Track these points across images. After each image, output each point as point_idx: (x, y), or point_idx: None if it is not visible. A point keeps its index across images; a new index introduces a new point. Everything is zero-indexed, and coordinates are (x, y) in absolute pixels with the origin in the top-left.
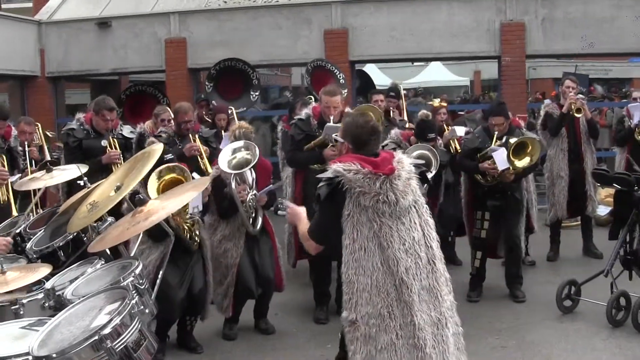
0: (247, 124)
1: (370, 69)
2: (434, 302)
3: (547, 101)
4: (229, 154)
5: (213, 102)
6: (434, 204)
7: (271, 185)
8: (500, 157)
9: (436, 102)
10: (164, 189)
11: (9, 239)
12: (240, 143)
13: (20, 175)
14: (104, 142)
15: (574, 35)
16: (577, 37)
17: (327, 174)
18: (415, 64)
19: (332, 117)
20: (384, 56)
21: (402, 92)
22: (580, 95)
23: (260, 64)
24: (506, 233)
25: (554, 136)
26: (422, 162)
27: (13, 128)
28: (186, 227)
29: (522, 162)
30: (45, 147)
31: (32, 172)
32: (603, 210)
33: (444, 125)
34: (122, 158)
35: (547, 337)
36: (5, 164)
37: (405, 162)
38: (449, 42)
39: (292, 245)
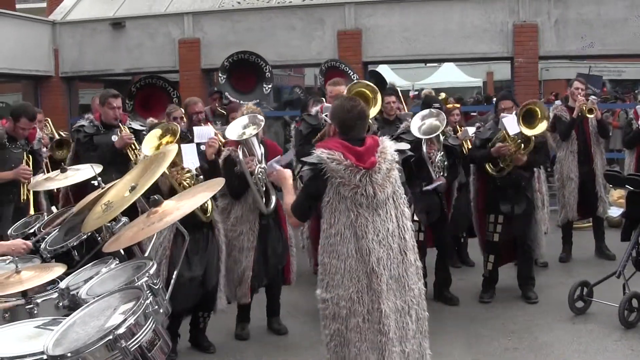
0: (257, 108)
1: (383, 70)
2: (401, 290)
3: (557, 102)
4: (239, 129)
5: (226, 93)
6: (448, 203)
7: (279, 157)
8: (510, 122)
9: (442, 95)
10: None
11: (29, 243)
12: (246, 119)
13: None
14: (114, 137)
15: (587, 37)
16: (590, 38)
17: (311, 159)
18: (428, 65)
19: None
20: (397, 57)
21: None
22: (593, 97)
23: (273, 64)
24: (518, 234)
25: (565, 140)
26: (407, 147)
27: (38, 130)
28: (186, 184)
29: (534, 130)
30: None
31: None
32: (615, 212)
33: (457, 126)
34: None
35: (559, 339)
36: (32, 161)
37: (388, 151)
38: (462, 43)
39: (311, 252)
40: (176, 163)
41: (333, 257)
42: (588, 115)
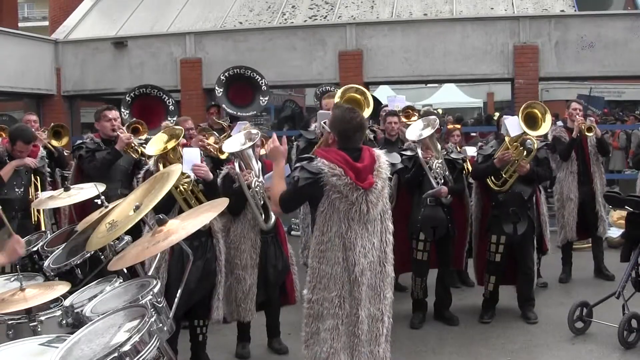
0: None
1: (384, 90)
2: (376, 298)
3: (558, 123)
4: (236, 145)
5: (223, 105)
6: (463, 224)
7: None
8: (512, 123)
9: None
10: (164, 155)
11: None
12: (242, 136)
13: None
14: None
15: (587, 58)
16: (591, 60)
17: (312, 168)
18: (428, 85)
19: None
20: (397, 77)
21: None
22: (591, 119)
23: (274, 84)
24: (520, 255)
25: (565, 160)
26: (398, 159)
27: (41, 149)
28: (182, 189)
29: (537, 131)
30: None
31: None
32: (615, 232)
33: (457, 147)
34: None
35: (559, 359)
36: (39, 183)
37: (383, 169)
38: (462, 64)
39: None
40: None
41: (322, 262)
42: (587, 134)
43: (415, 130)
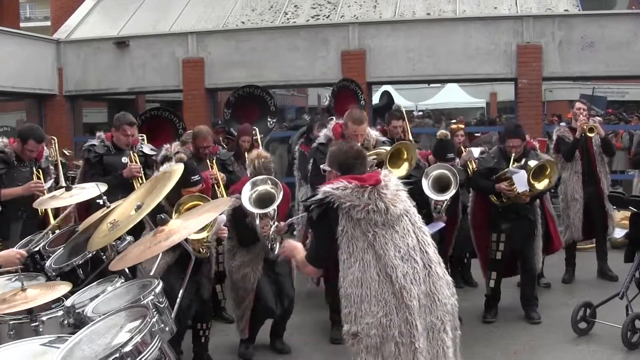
0: (266, 153)
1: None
2: (432, 306)
3: (562, 124)
4: (249, 188)
5: (232, 129)
6: (453, 226)
7: (293, 218)
8: (520, 179)
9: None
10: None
11: (23, 252)
12: (261, 178)
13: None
14: (124, 159)
15: (591, 58)
16: (594, 60)
17: (317, 197)
18: (431, 85)
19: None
20: (400, 77)
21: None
22: (598, 118)
23: (277, 84)
24: (521, 255)
25: (569, 160)
26: (411, 180)
27: (45, 149)
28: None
29: (541, 185)
30: (61, 169)
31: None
32: (619, 233)
33: (462, 147)
34: (142, 172)
35: (562, 359)
36: (42, 176)
37: (391, 177)
38: (465, 64)
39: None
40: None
41: (357, 287)
42: (589, 135)
43: (248, 191)
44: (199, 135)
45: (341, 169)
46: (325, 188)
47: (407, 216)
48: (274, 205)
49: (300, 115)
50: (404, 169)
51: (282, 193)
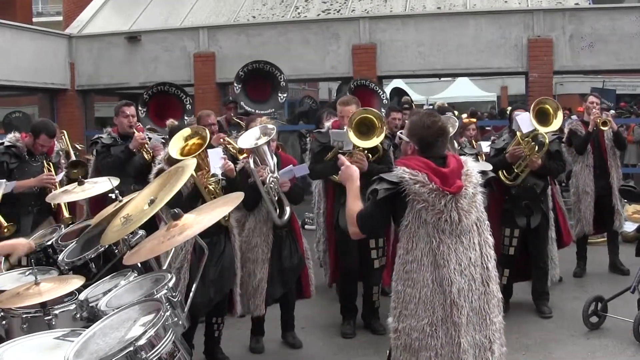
0: (270, 120)
1: (398, 85)
2: (481, 324)
3: (573, 117)
4: (251, 139)
5: (242, 103)
6: None
7: (291, 166)
8: (523, 119)
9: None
10: (187, 153)
11: (32, 243)
12: (258, 130)
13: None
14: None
15: (601, 51)
16: (605, 53)
17: (392, 177)
18: (442, 79)
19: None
20: (411, 71)
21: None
22: (612, 112)
23: (288, 78)
24: (534, 249)
25: (580, 154)
26: (490, 167)
27: (56, 143)
28: (211, 188)
29: (548, 128)
30: (71, 151)
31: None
32: (630, 227)
33: (473, 141)
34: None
35: (573, 354)
36: (53, 170)
37: (473, 174)
38: (476, 57)
39: (327, 265)
40: (202, 167)
41: (408, 286)
42: (602, 128)
43: (249, 139)
44: (202, 115)
45: (421, 144)
46: (403, 173)
47: (476, 226)
48: (265, 141)
49: (303, 101)
50: (555, 124)
51: (275, 133)
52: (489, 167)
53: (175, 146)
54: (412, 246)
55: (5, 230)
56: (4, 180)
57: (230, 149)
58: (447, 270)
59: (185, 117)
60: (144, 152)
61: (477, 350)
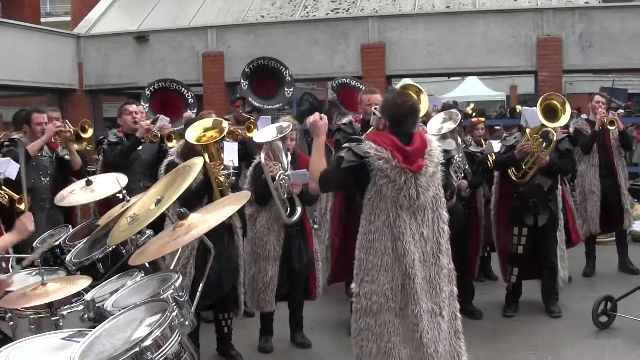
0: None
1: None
2: (432, 292)
3: (583, 116)
4: (268, 136)
5: (249, 99)
6: (475, 216)
7: (305, 170)
8: (531, 114)
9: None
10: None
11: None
12: (274, 128)
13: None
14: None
15: (611, 51)
16: (615, 52)
17: (358, 150)
18: (451, 78)
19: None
20: (420, 71)
21: None
22: (621, 110)
23: (296, 78)
24: (542, 249)
25: (586, 153)
26: (453, 146)
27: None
28: (221, 179)
29: (556, 124)
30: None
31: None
32: (639, 226)
33: (482, 140)
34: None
35: (583, 353)
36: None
37: (435, 153)
38: (485, 56)
39: (329, 263)
40: (215, 157)
41: (370, 254)
42: (609, 127)
43: (436, 124)
44: (203, 117)
45: (391, 121)
46: (370, 148)
47: (432, 202)
48: (279, 136)
49: (303, 99)
50: (563, 119)
51: (290, 129)
52: (452, 145)
53: (192, 132)
54: (374, 218)
55: (18, 205)
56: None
57: (239, 132)
58: (402, 242)
59: (189, 110)
60: (150, 137)
61: (429, 315)
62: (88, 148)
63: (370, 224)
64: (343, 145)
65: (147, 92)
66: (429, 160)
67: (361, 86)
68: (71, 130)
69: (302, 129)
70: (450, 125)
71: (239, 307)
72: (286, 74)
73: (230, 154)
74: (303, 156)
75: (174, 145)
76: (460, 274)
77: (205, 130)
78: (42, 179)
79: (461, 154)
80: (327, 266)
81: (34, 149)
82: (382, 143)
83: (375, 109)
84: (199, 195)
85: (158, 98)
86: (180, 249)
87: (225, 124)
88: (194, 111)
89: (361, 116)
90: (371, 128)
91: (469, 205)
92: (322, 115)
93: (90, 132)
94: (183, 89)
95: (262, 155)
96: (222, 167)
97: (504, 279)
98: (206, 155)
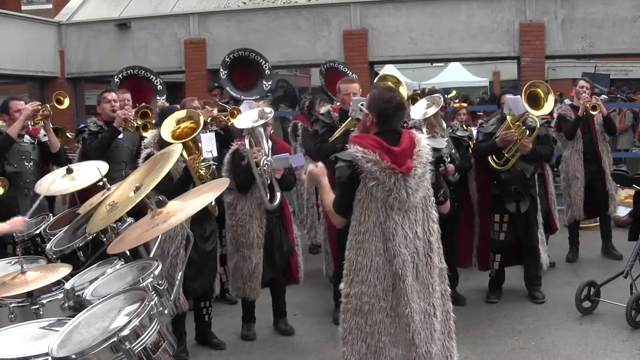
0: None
1: (390, 71)
2: (425, 292)
3: (566, 101)
4: (248, 122)
5: (227, 88)
6: (470, 212)
7: (287, 154)
8: (515, 102)
9: (453, 92)
10: (178, 136)
11: (25, 218)
12: (256, 112)
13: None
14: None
15: (594, 36)
16: (597, 37)
17: (345, 156)
18: (434, 64)
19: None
20: (403, 57)
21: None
22: (604, 96)
23: (279, 64)
24: (524, 234)
25: (570, 139)
26: (444, 145)
27: (41, 129)
28: (202, 172)
29: (540, 112)
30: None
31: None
32: (623, 212)
33: (464, 126)
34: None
35: (566, 339)
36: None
37: (424, 153)
38: (468, 42)
39: (330, 255)
40: (193, 152)
41: (359, 254)
42: (592, 113)
43: (420, 109)
44: (185, 103)
45: (379, 117)
46: (356, 152)
47: (422, 202)
48: (262, 122)
49: (301, 96)
50: (547, 107)
51: (271, 116)
52: (442, 144)
53: (167, 128)
54: (364, 219)
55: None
56: None
57: (220, 118)
58: (393, 243)
59: (158, 97)
60: (128, 127)
61: (422, 316)
62: (70, 136)
63: (360, 225)
64: (331, 158)
65: (117, 80)
66: (418, 160)
67: (349, 72)
68: (48, 107)
69: (277, 116)
70: (433, 110)
71: (213, 292)
72: (265, 67)
73: (208, 145)
74: (280, 142)
75: (148, 135)
76: (445, 259)
77: (179, 122)
78: (26, 163)
79: (447, 139)
80: (328, 258)
81: (15, 130)
82: (368, 145)
83: (362, 105)
84: (183, 189)
85: (127, 86)
86: (167, 237)
87: (199, 116)
88: (164, 98)
89: (339, 105)
90: (349, 119)
91: (461, 192)
92: (317, 163)
93: (66, 103)
94: (152, 76)
95: (246, 141)
96: (202, 159)
97: (479, 267)
98: (184, 152)
